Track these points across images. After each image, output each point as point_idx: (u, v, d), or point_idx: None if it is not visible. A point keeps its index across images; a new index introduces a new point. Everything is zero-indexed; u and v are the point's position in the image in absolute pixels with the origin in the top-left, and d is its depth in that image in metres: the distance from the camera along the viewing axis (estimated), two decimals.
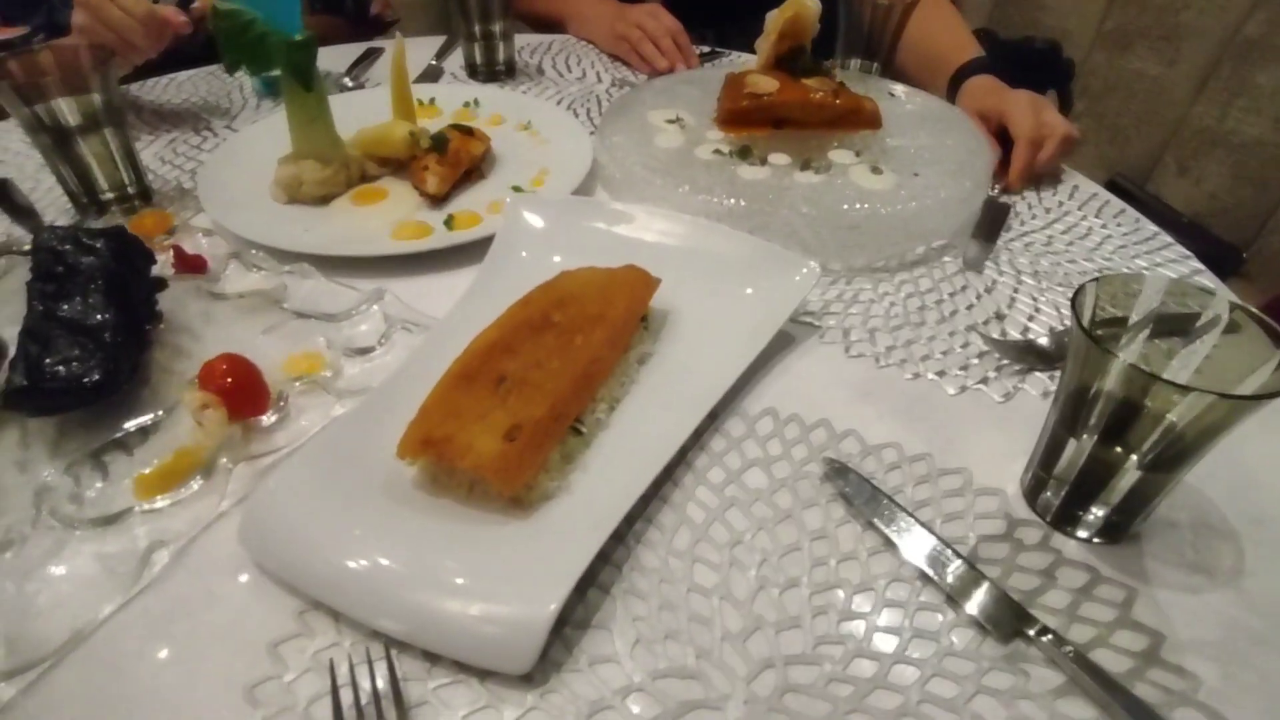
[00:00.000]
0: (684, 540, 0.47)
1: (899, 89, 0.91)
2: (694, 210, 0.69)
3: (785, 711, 0.38)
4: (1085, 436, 0.43)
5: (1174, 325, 0.44)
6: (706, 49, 1.16)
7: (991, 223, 0.75)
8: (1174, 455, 0.41)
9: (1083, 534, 0.46)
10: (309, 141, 0.75)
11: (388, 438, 0.48)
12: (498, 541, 0.44)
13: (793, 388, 0.58)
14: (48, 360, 0.49)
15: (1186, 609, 0.43)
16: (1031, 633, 0.41)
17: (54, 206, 0.78)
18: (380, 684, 0.39)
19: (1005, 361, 0.60)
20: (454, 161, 0.78)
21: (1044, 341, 0.61)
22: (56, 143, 0.72)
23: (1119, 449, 0.43)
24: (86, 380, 0.49)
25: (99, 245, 0.55)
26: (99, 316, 0.52)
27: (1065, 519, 0.47)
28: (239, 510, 0.47)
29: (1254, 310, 0.41)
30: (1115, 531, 0.46)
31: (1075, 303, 0.41)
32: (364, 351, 0.59)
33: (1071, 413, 0.44)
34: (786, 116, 0.81)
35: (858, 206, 0.69)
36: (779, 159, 0.75)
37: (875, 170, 0.73)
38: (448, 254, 0.70)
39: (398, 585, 0.41)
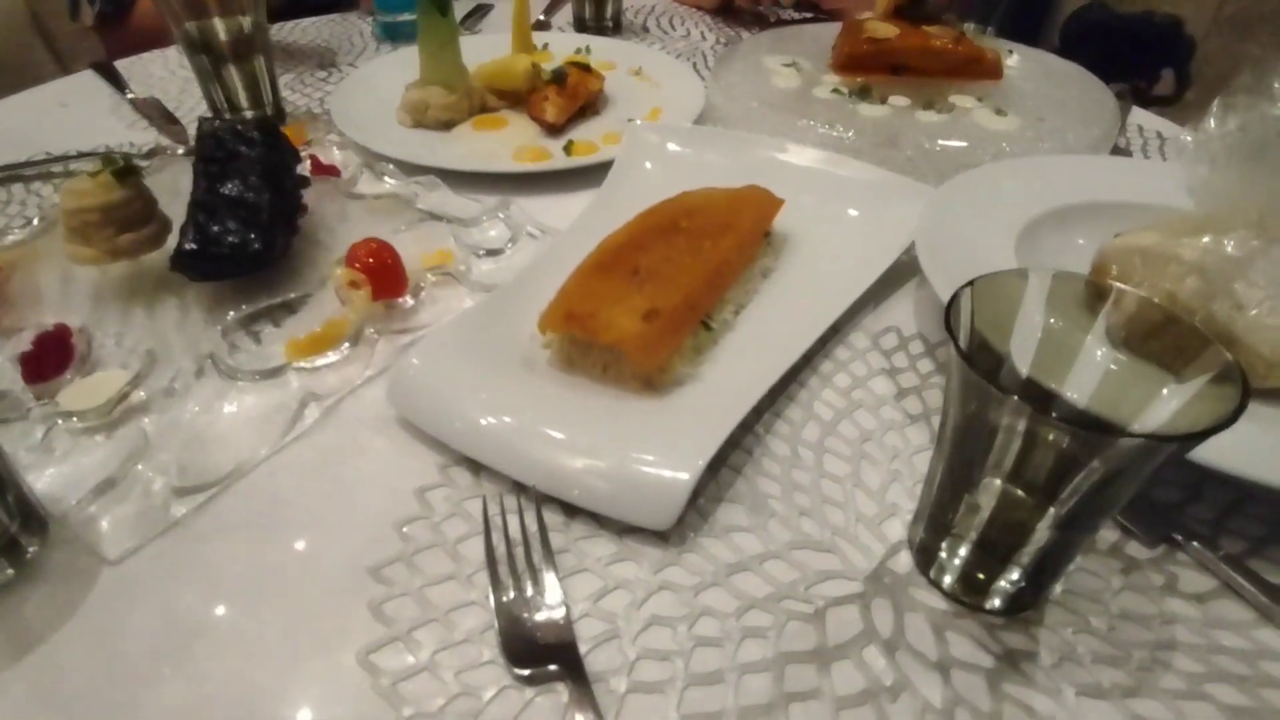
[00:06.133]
0: (812, 433, 0.47)
1: (1017, 48, 0.89)
2: (814, 144, 0.69)
3: (925, 588, 0.38)
4: (981, 488, 0.34)
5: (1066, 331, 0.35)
6: (809, 14, 1.16)
7: None
8: (1101, 500, 0.32)
9: (993, 604, 0.37)
10: (438, 67, 0.78)
11: (523, 322, 0.50)
12: (634, 414, 0.45)
13: (915, 311, 0.57)
14: (215, 228, 0.52)
15: None
16: (1180, 538, 0.40)
17: (195, 124, 0.83)
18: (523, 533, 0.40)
19: None
20: (572, 94, 0.80)
21: None
22: (212, 63, 0.76)
23: (1025, 500, 0.34)
24: (249, 249, 0.52)
25: (255, 136, 0.58)
26: (258, 197, 0.55)
27: (967, 588, 0.38)
28: (384, 378, 0.49)
29: (1158, 303, 0.34)
30: (1023, 600, 0.37)
31: (950, 318, 0.32)
32: (493, 253, 0.61)
33: (960, 459, 0.35)
34: (905, 63, 0.80)
35: (983, 145, 0.68)
36: (899, 100, 0.75)
37: (999, 112, 0.72)
38: (566, 178, 0.71)
39: (543, 443, 0.42)
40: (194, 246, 0.51)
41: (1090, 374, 0.36)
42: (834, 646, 0.36)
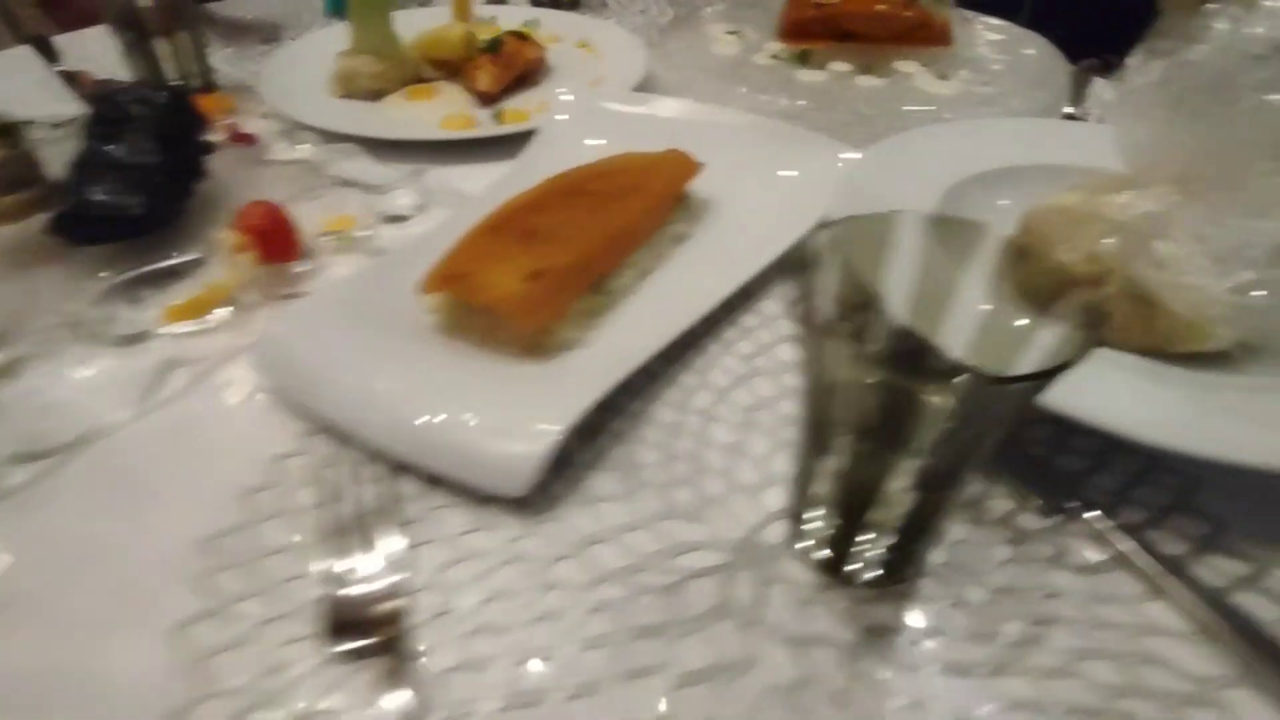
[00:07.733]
0: (704, 400, 0.44)
1: (976, 16, 0.86)
2: (750, 111, 0.66)
3: (795, 560, 0.36)
4: (836, 449, 0.32)
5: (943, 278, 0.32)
6: None
7: None
8: (957, 455, 0.30)
9: (861, 576, 0.35)
10: (367, 35, 0.76)
11: (411, 288, 0.48)
12: (511, 379, 0.43)
13: None
14: (95, 189, 0.50)
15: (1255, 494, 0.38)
16: (1077, 506, 0.37)
17: None
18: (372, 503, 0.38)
19: None
20: (507, 63, 0.77)
21: None
22: (139, 37, 0.74)
23: (882, 459, 0.31)
24: (129, 213, 0.50)
25: (157, 99, 0.56)
26: (148, 159, 0.53)
27: (834, 559, 0.35)
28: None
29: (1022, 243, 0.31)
30: (895, 573, 0.35)
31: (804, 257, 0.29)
32: (399, 219, 0.58)
33: (815, 419, 0.32)
34: (851, 29, 0.77)
35: (919, 109, 0.65)
36: (839, 66, 0.72)
37: (942, 77, 0.69)
38: (495, 148, 0.69)
39: (403, 406, 0.40)
40: (67, 209, 0.49)
41: (967, 321, 0.33)
42: (684, 621, 0.33)
